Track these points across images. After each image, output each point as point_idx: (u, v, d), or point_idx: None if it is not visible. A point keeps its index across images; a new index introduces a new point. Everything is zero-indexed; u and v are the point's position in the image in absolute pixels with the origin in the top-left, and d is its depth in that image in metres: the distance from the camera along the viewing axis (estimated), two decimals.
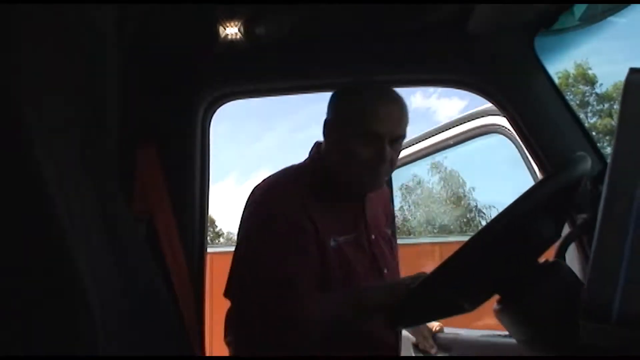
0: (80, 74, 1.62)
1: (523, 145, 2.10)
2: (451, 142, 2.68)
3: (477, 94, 2.15)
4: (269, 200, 1.79)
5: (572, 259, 1.88)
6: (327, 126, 1.84)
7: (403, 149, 2.33)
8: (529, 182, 2.18)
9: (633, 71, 0.60)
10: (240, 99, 2.34)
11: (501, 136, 2.39)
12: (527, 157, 2.18)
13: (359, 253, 1.82)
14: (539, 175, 2.13)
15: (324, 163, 1.84)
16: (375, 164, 1.75)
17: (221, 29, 2.05)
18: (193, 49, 2.22)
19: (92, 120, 1.71)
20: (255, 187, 1.88)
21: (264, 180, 1.89)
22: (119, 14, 1.73)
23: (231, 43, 2.07)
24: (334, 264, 1.74)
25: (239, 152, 41.84)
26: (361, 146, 1.74)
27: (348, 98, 1.82)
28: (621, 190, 0.59)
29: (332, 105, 1.85)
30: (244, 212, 1.83)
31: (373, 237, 1.89)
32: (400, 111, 1.78)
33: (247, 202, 1.85)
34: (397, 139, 1.78)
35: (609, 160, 0.62)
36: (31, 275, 1.18)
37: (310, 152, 1.92)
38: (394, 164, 1.82)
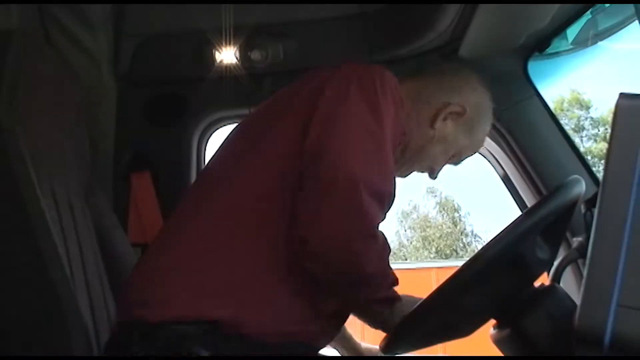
0: (77, 101, 1.63)
1: (517, 169, 2.11)
2: None
3: None
4: None
5: (569, 282, 1.88)
6: None
7: None
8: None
9: (623, 96, 0.61)
10: (236, 123, 2.35)
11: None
12: (508, 179, 2.18)
13: None
14: (525, 198, 2.13)
15: None
16: None
17: (217, 54, 2.07)
18: (188, 74, 2.23)
19: (90, 140, 1.72)
20: None
21: None
22: (114, 42, 1.75)
23: (226, 68, 2.08)
24: None
25: None
26: None
27: None
28: (613, 213, 0.60)
29: None
30: None
31: None
32: None
33: None
34: None
35: (600, 183, 0.63)
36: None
37: None
38: None
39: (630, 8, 1.80)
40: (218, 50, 2.06)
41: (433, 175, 1.72)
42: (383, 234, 1.40)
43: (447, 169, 1.77)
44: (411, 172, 1.71)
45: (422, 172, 1.72)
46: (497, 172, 2.25)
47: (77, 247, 1.56)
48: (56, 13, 1.57)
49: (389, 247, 1.45)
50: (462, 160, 1.74)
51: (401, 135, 1.52)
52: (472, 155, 1.75)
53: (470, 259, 1.35)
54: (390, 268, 1.46)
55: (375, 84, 1.41)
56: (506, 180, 2.20)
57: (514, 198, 2.20)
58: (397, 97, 1.46)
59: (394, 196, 1.44)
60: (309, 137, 1.37)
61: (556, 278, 1.48)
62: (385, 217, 1.44)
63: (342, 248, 1.32)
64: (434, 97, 1.63)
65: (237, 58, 2.06)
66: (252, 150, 1.44)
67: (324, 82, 1.44)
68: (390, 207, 1.44)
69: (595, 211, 0.62)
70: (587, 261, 0.60)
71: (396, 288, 1.72)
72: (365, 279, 1.39)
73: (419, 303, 1.45)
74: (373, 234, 1.36)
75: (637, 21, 1.89)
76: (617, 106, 0.61)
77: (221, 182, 1.44)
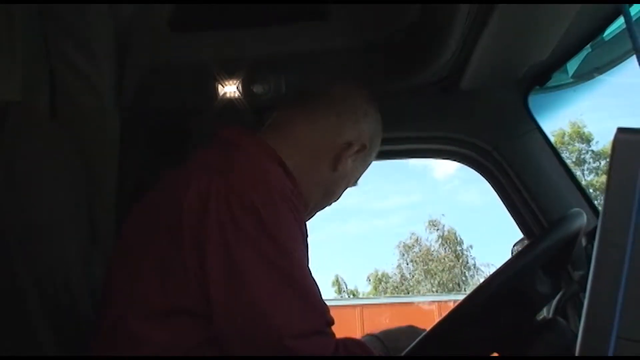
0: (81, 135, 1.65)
1: (517, 203, 2.11)
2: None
3: (467, 162, 2.19)
4: None
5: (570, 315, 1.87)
6: None
7: None
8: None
9: (621, 131, 0.62)
10: None
11: None
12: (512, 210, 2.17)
13: None
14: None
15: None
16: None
17: (220, 87, 2.08)
18: (191, 106, 2.25)
19: (92, 178, 1.73)
20: None
21: None
22: (117, 74, 1.76)
23: (229, 101, 2.10)
24: None
25: None
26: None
27: None
28: (612, 245, 0.60)
29: None
30: None
31: None
32: None
33: None
34: None
35: (599, 218, 0.63)
36: None
37: None
38: None
39: (629, 42, 1.81)
40: (221, 84, 2.08)
41: (334, 202, 1.70)
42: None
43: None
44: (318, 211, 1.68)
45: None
46: (504, 203, 2.25)
47: None
48: (64, 48, 1.59)
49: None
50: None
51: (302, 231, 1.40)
52: None
53: (470, 293, 1.35)
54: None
55: (260, 201, 1.27)
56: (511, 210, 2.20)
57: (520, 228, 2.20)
58: (285, 189, 1.34)
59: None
60: (210, 291, 1.24)
61: (558, 311, 1.48)
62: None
63: None
64: (331, 142, 1.56)
65: (239, 91, 2.07)
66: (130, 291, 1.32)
67: (201, 202, 1.27)
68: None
69: (595, 243, 0.62)
70: (587, 293, 0.61)
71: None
72: None
73: (420, 337, 1.44)
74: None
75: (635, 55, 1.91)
76: (615, 140, 0.62)
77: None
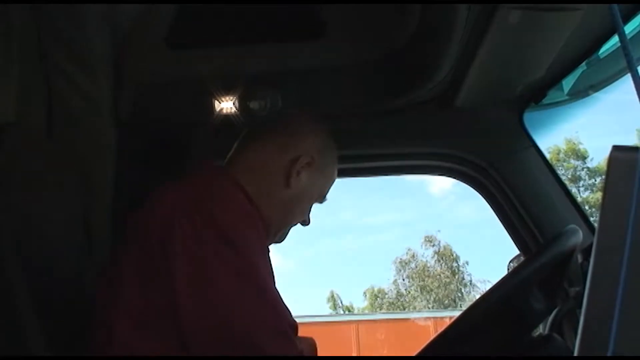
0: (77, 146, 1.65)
1: (513, 219, 2.11)
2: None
3: (463, 179, 2.19)
4: None
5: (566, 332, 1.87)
6: None
7: None
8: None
9: (616, 149, 0.63)
10: None
11: None
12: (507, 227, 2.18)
13: None
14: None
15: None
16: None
17: (216, 103, 2.09)
18: (189, 122, 2.25)
19: (88, 192, 1.73)
20: None
21: None
22: (114, 90, 1.77)
23: (226, 118, 2.10)
24: None
25: None
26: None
27: None
28: (607, 262, 0.60)
29: None
30: None
31: None
32: None
33: None
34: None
35: (595, 235, 0.64)
36: None
37: None
38: None
39: (623, 60, 1.82)
40: (217, 100, 2.08)
41: (305, 224, 1.73)
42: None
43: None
44: (287, 232, 1.71)
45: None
46: (500, 220, 2.25)
47: None
48: (62, 63, 1.59)
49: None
50: (326, 196, 1.75)
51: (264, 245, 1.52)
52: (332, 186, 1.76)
53: (466, 310, 1.35)
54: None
55: (221, 216, 1.40)
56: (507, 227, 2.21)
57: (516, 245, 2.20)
58: (246, 208, 1.49)
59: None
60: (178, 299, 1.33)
61: (554, 328, 1.48)
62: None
63: None
64: (280, 160, 1.63)
65: (236, 107, 2.07)
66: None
67: (167, 219, 1.40)
68: None
69: (590, 260, 0.62)
70: (583, 310, 0.61)
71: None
72: None
73: (416, 353, 1.44)
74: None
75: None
76: (610, 158, 0.63)
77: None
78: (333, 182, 1.76)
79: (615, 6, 0.79)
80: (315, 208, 1.77)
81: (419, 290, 24.44)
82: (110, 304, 1.41)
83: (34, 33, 1.54)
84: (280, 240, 1.68)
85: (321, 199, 1.73)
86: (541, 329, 1.60)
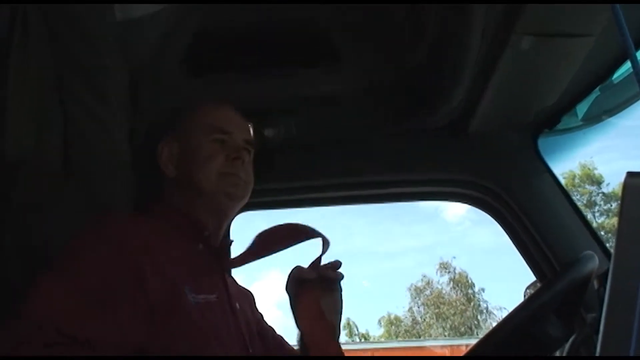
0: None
1: (529, 245, 2.10)
2: None
3: (478, 205, 2.19)
4: None
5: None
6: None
7: None
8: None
9: (631, 175, 0.63)
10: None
11: None
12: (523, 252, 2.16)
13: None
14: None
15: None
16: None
17: None
18: None
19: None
20: None
21: None
22: (129, 116, 1.78)
23: None
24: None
25: None
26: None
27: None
28: (623, 288, 0.60)
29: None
30: None
31: (238, 306, 1.58)
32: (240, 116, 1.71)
33: None
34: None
35: (611, 261, 0.63)
36: None
37: None
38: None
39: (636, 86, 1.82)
40: None
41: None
42: None
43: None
44: (237, 181, 1.62)
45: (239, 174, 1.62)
46: (515, 246, 2.24)
47: None
48: (80, 92, 1.60)
49: None
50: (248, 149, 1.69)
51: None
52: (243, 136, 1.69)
53: (483, 337, 1.34)
54: None
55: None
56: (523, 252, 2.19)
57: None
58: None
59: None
60: None
61: (571, 354, 1.46)
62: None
63: None
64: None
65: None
66: None
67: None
68: None
69: (607, 286, 0.62)
70: (600, 337, 0.61)
71: None
72: None
73: None
74: None
75: None
76: (625, 184, 0.62)
77: None
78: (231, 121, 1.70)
79: (627, 32, 0.79)
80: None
81: (434, 317, 24.27)
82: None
83: (50, 63, 1.55)
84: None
85: (235, 151, 1.64)
86: (558, 355, 1.58)
